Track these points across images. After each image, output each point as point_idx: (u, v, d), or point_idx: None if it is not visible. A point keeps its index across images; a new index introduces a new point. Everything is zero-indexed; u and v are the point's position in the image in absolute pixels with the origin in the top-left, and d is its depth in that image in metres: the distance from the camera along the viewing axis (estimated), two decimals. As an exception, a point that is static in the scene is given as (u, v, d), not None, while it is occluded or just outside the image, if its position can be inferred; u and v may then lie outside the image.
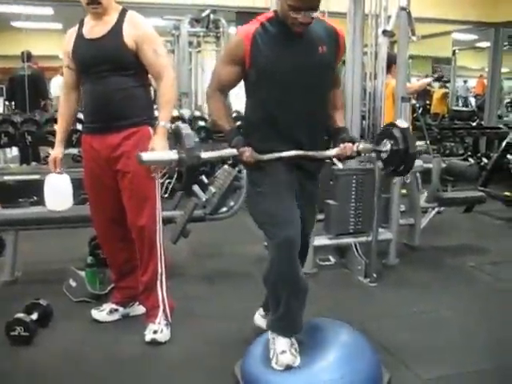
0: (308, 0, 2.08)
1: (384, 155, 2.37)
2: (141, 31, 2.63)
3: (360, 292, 3.50)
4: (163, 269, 2.81)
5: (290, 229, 2.23)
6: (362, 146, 2.35)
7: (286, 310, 2.33)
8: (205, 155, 2.23)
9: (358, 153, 2.34)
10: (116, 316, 3.01)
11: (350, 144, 2.32)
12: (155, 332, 2.75)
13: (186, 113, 6.73)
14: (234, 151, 2.24)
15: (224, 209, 3.90)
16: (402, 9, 3.34)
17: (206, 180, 3.84)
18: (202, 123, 6.28)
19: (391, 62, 5.15)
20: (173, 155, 2.19)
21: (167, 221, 3.80)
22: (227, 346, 2.74)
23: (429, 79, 5.65)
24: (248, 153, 2.20)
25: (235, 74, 2.28)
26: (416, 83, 5.68)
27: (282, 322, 2.36)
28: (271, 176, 2.29)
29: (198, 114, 6.75)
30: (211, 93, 2.36)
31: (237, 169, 3.83)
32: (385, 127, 2.53)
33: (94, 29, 2.65)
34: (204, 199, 3.77)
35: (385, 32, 3.24)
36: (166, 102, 2.68)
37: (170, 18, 8.51)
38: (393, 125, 2.39)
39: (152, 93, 3.00)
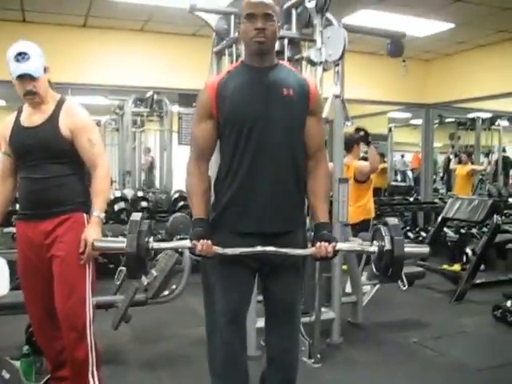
0: (260, 4, 2.12)
1: (372, 257, 2.25)
2: (76, 121, 2.66)
3: (304, 373, 3.41)
4: (94, 359, 2.68)
5: (226, 332, 2.24)
6: (340, 246, 2.24)
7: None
8: (156, 245, 2.20)
9: (335, 253, 2.20)
10: None
11: (326, 244, 2.17)
12: None
13: (129, 193, 6.73)
14: (187, 243, 2.16)
15: (166, 292, 3.85)
16: (336, 96, 3.51)
17: (147, 257, 3.81)
18: (144, 204, 6.29)
19: (353, 142, 5.35)
20: (123, 244, 2.14)
21: (108, 305, 3.73)
22: None
23: (371, 148, 5.45)
24: (201, 247, 2.11)
25: (209, 131, 2.23)
26: (371, 158, 5.55)
27: None
28: (223, 269, 2.23)
29: (140, 194, 6.76)
30: (191, 168, 2.26)
31: (178, 251, 3.85)
32: (376, 226, 2.34)
33: (32, 117, 2.67)
34: (146, 283, 3.75)
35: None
36: (99, 192, 2.68)
37: (115, 98, 8.64)
38: (384, 223, 2.25)
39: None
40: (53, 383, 2.94)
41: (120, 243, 2.18)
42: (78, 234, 2.61)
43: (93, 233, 2.57)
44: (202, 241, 2.12)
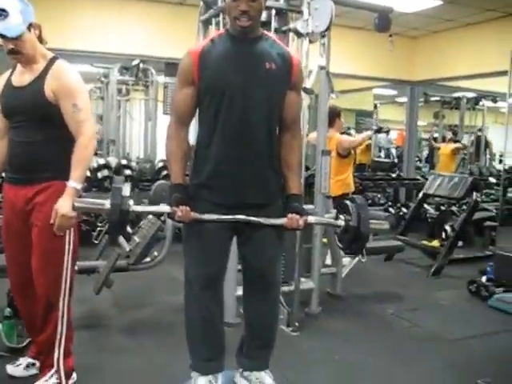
0: None
1: (338, 230, 2.35)
2: (62, 83, 2.52)
3: (282, 341, 3.45)
4: (64, 329, 2.65)
5: (203, 268, 2.28)
6: (311, 219, 2.31)
7: (202, 348, 2.38)
8: (136, 208, 2.23)
9: (306, 226, 2.28)
10: (33, 370, 2.85)
11: (297, 216, 2.24)
12: None
13: (113, 161, 6.71)
14: (166, 208, 2.21)
15: (148, 259, 3.89)
16: (321, 68, 3.52)
17: (130, 230, 3.84)
18: (128, 172, 6.29)
19: (334, 115, 5.38)
20: (104, 205, 2.17)
21: (90, 270, 3.76)
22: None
23: (369, 132, 5.91)
24: (181, 213, 2.15)
25: (190, 97, 2.23)
26: (358, 137, 5.92)
27: (198, 361, 2.40)
28: (198, 232, 2.27)
29: (124, 162, 6.75)
30: (171, 132, 2.28)
31: (161, 219, 3.88)
32: (344, 201, 2.46)
33: (22, 76, 2.57)
34: (127, 249, 3.77)
35: (305, 89, 3.39)
36: (78, 161, 2.51)
37: (100, 66, 8.54)
38: (351, 199, 2.37)
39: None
40: (33, 345, 2.93)
41: (99, 204, 2.20)
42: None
43: (66, 204, 2.42)
44: (181, 207, 2.16)
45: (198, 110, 2.30)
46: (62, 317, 2.66)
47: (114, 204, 2.14)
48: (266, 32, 2.33)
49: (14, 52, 2.49)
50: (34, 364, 2.87)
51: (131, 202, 2.19)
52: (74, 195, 2.47)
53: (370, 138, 10.40)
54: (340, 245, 2.41)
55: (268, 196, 2.31)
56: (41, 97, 2.51)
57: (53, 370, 2.66)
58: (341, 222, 2.34)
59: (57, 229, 2.48)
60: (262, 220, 2.22)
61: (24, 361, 2.89)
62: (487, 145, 12.23)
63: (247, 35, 2.22)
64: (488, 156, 12.38)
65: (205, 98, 2.22)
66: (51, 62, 2.58)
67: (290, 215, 2.25)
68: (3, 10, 2.40)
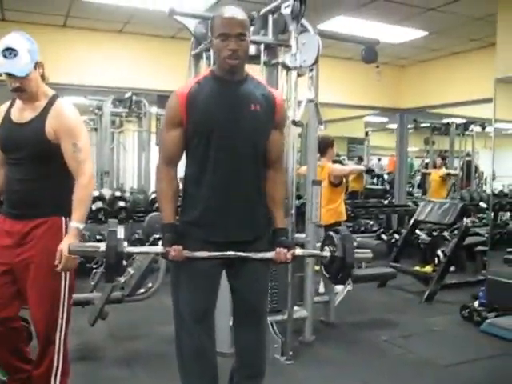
0: (234, 23, 2.17)
1: (324, 261, 2.43)
2: (63, 122, 2.55)
3: (276, 370, 3.52)
4: (60, 363, 2.67)
5: (194, 332, 2.34)
6: (298, 251, 2.39)
7: (195, 381, 2.41)
8: (130, 250, 2.28)
9: (293, 259, 2.35)
10: None
11: (285, 250, 2.32)
12: None
13: (107, 193, 6.75)
14: (159, 249, 2.27)
15: (142, 290, 3.92)
16: (310, 101, 3.60)
17: (124, 262, 3.88)
18: (122, 203, 6.33)
19: (327, 145, 5.49)
20: (99, 248, 2.22)
21: (85, 302, 3.79)
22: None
23: (362, 167, 6.01)
24: (174, 253, 2.21)
25: (178, 138, 2.28)
26: (349, 166, 5.97)
27: None
28: (190, 270, 2.31)
29: (118, 193, 6.79)
30: (161, 172, 2.33)
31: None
32: (328, 233, 2.52)
33: (22, 112, 2.59)
34: (122, 280, 3.81)
35: (294, 122, 3.48)
36: (79, 201, 2.55)
37: (94, 98, 8.64)
38: (336, 231, 2.44)
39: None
40: (10, 379, 2.82)
41: (95, 247, 2.25)
42: (55, 238, 2.53)
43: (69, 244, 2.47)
44: (174, 246, 2.22)
45: (185, 150, 2.35)
46: (59, 351, 2.67)
47: (110, 247, 2.19)
48: (250, 73, 2.40)
49: (19, 90, 2.53)
50: None
51: (125, 243, 2.24)
52: (78, 235, 2.52)
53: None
54: (327, 275, 2.48)
55: (257, 231, 2.38)
56: (42, 135, 2.53)
57: None
58: (326, 254, 2.41)
59: (62, 269, 2.50)
60: (251, 255, 2.29)
61: None
62: (476, 169, 12.35)
63: (234, 76, 2.29)
64: (478, 180, 12.49)
65: (193, 139, 2.29)
66: (52, 100, 2.61)
67: (277, 249, 2.33)
68: (13, 50, 2.45)
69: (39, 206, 2.58)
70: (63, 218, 2.60)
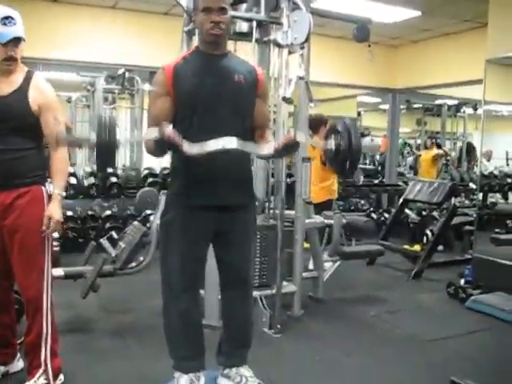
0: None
1: (330, 154, 2.45)
2: (46, 97, 2.68)
3: (264, 342, 3.60)
4: (49, 329, 2.76)
5: (182, 301, 2.42)
6: (300, 135, 2.35)
7: (182, 347, 2.50)
8: (123, 139, 2.29)
9: (297, 143, 2.30)
10: None
11: (285, 135, 2.40)
12: None
13: (99, 168, 6.76)
14: (154, 131, 2.17)
15: (133, 264, 3.98)
16: (300, 78, 3.63)
17: (115, 236, 3.94)
18: (114, 179, 6.35)
19: (320, 123, 5.51)
20: (90, 139, 2.21)
21: (77, 276, 3.84)
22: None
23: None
24: (167, 130, 2.13)
25: (165, 106, 2.34)
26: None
27: (179, 359, 2.51)
28: (183, 224, 2.39)
29: (110, 170, 6.80)
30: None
31: (146, 225, 3.98)
32: (332, 125, 2.52)
33: None
34: (114, 254, 3.87)
35: (284, 99, 3.51)
36: (60, 170, 2.74)
37: (86, 75, 8.59)
38: (341, 121, 2.46)
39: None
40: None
41: (88, 138, 2.24)
42: (38, 207, 2.66)
43: (58, 210, 2.67)
44: (168, 128, 2.16)
45: (172, 124, 2.36)
46: (47, 316, 2.76)
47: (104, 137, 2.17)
48: (230, 50, 2.53)
49: (12, 59, 2.61)
50: None
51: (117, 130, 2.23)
52: (60, 202, 2.70)
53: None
54: (333, 169, 2.45)
55: (244, 198, 2.48)
56: (25, 107, 2.63)
57: (41, 370, 2.74)
58: (331, 145, 2.40)
59: (50, 233, 2.65)
60: (253, 148, 2.34)
61: None
62: (472, 150, 12.39)
63: (216, 49, 2.40)
64: (472, 162, 12.55)
65: (179, 111, 2.36)
66: (29, 74, 2.71)
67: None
68: (12, 18, 2.56)
69: (21, 176, 2.66)
70: (43, 188, 2.73)
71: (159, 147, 2.22)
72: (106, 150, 2.15)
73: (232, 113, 2.37)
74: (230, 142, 2.23)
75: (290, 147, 2.33)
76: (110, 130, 2.13)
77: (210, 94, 2.35)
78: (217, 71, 2.39)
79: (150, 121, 2.42)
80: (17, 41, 2.59)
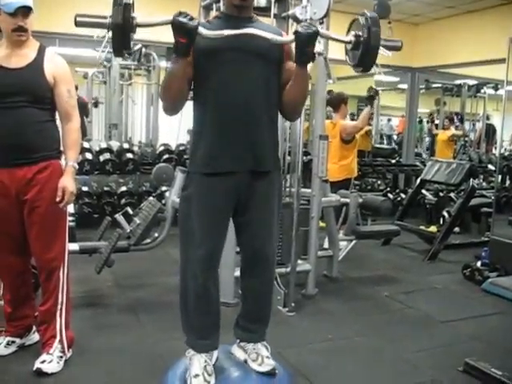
0: None
1: (349, 46, 2.34)
2: (60, 70, 2.70)
3: (278, 320, 3.57)
4: (64, 299, 2.81)
5: (201, 278, 2.38)
6: (322, 31, 2.28)
7: (197, 326, 2.48)
8: (141, 21, 2.24)
9: (318, 34, 2.19)
10: (13, 348, 2.94)
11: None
12: (43, 362, 2.70)
13: (115, 145, 6.76)
14: (169, 18, 2.12)
15: (148, 240, 3.98)
16: (319, 54, 3.56)
17: (130, 211, 3.94)
18: (130, 155, 6.35)
19: (340, 101, 5.44)
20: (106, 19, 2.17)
21: (92, 251, 3.86)
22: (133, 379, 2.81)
23: (367, 109, 5.64)
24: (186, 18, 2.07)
25: (186, 67, 2.24)
26: (360, 117, 5.69)
27: (193, 338, 2.50)
28: (203, 198, 2.34)
29: (126, 146, 6.80)
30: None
31: (162, 201, 3.97)
32: (355, 18, 2.39)
33: (11, 58, 2.63)
34: (128, 230, 3.87)
35: (302, 75, 3.45)
36: (74, 142, 2.75)
37: (103, 50, 8.56)
38: (362, 14, 2.32)
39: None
40: (9, 325, 2.95)
41: (102, 20, 2.22)
42: (58, 182, 2.66)
43: (72, 182, 2.67)
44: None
45: (194, 87, 2.34)
46: (63, 287, 2.81)
47: (119, 18, 2.12)
48: (256, 16, 2.43)
49: (22, 29, 2.60)
50: (13, 342, 2.95)
51: (135, 15, 2.20)
52: (74, 174, 2.72)
53: (372, 118, 10.39)
54: (351, 63, 2.40)
55: (266, 163, 2.39)
56: (42, 80, 2.64)
57: (56, 341, 2.78)
58: (350, 38, 2.33)
59: (65, 205, 2.67)
60: (267, 35, 2.24)
61: (3, 339, 2.94)
62: (492, 132, 12.20)
63: (242, 13, 2.32)
64: (492, 143, 12.37)
65: (201, 71, 2.28)
66: (42, 48, 2.72)
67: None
68: None
69: (41, 150, 2.67)
70: (61, 162, 2.75)
71: (175, 35, 2.11)
72: (121, 30, 2.11)
73: (259, 72, 2.30)
74: (249, 30, 2.19)
75: (310, 31, 2.16)
76: (126, 9, 2.11)
77: (236, 55, 2.27)
78: (243, 29, 2.29)
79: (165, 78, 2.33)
80: (25, 10, 2.57)
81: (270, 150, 2.41)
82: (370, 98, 5.57)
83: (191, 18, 2.08)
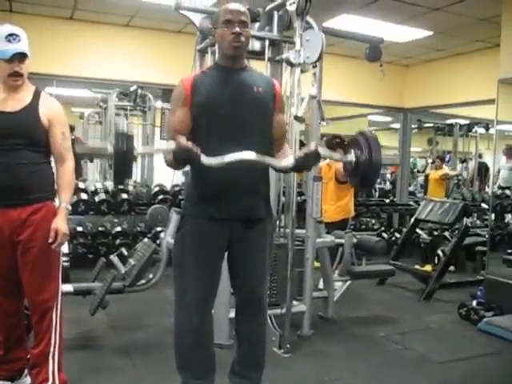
0: (237, 12, 2.36)
1: (349, 166, 2.43)
2: (55, 112, 2.74)
3: (274, 362, 3.52)
4: (57, 341, 2.78)
5: (195, 317, 2.41)
6: (321, 150, 2.38)
7: (193, 364, 2.48)
8: (141, 150, 2.34)
9: (318, 154, 2.32)
10: None
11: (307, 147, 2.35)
12: None
13: (110, 185, 6.78)
14: (171, 144, 2.22)
15: (143, 281, 3.96)
16: (312, 97, 3.64)
17: (125, 252, 3.94)
18: (124, 196, 6.36)
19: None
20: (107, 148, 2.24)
21: (86, 292, 3.84)
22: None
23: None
24: (184, 141, 2.18)
25: (183, 117, 2.38)
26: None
27: (188, 378, 2.49)
28: (197, 240, 2.39)
29: (121, 186, 6.82)
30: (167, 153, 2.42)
31: (156, 242, 3.97)
32: (353, 137, 2.55)
33: (7, 102, 2.68)
34: (123, 271, 3.86)
35: (296, 117, 3.52)
36: (67, 184, 2.77)
37: (98, 91, 8.67)
38: (362, 133, 2.46)
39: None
40: (4, 367, 2.91)
41: (102, 146, 2.30)
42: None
43: (63, 223, 2.67)
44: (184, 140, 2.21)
45: (191, 135, 2.39)
46: (55, 330, 2.78)
47: (123, 147, 2.23)
48: (249, 65, 2.58)
49: (18, 74, 2.65)
50: None
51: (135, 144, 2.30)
52: (67, 216, 2.73)
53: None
54: (351, 182, 2.46)
55: (259, 212, 2.46)
56: (37, 122, 2.68)
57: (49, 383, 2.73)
58: (351, 157, 2.41)
59: (58, 246, 2.66)
60: (271, 160, 2.35)
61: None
62: (485, 170, 12.29)
63: (235, 64, 2.43)
64: (484, 182, 12.44)
65: (198, 121, 2.38)
66: (38, 91, 2.77)
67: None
68: (17, 35, 2.62)
69: (36, 191, 2.70)
70: (55, 203, 2.76)
71: (177, 160, 2.24)
72: (123, 159, 2.17)
73: (251, 123, 2.39)
74: (248, 155, 2.24)
75: (311, 158, 2.34)
76: (128, 140, 2.18)
77: (228, 104, 2.37)
78: (236, 83, 2.42)
79: (167, 132, 2.49)
80: (21, 56, 2.63)
81: (263, 199, 2.49)
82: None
83: (192, 151, 2.18)
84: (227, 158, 2.23)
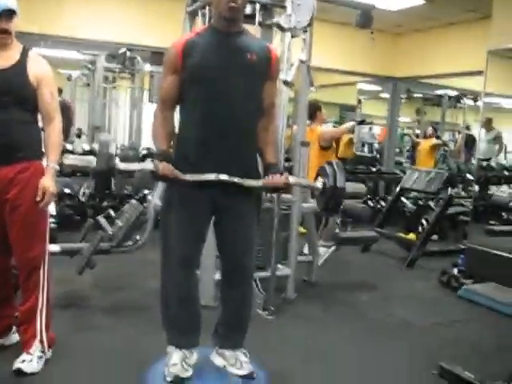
0: None
1: (316, 192, 2.54)
2: (43, 72, 2.72)
3: (258, 324, 3.56)
4: (44, 299, 2.81)
5: (180, 275, 2.47)
6: (292, 179, 2.47)
7: (178, 321, 2.54)
8: (122, 166, 2.39)
9: (287, 185, 2.43)
10: None
11: (278, 175, 2.41)
12: (23, 361, 2.72)
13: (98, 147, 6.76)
14: (150, 165, 2.34)
15: (130, 242, 4.00)
16: (302, 62, 3.64)
17: (113, 214, 3.96)
18: (112, 158, 6.36)
19: (315, 109, 5.56)
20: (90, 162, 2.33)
21: (73, 252, 3.86)
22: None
23: (351, 123, 6.12)
24: (163, 166, 2.26)
25: (174, 83, 2.39)
26: (342, 126, 6.18)
27: (174, 335, 2.55)
28: (182, 203, 2.42)
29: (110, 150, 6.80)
30: (157, 112, 2.47)
31: (143, 205, 4.00)
32: (321, 166, 2.66)
33: None
34: (110, 232, 3.89)
35: (285, 82, 3.52)
36: (55, 144, 2.77)
37: (87, 53, 8.57)
38: (329, 163, 2.56)
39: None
40: None
41: (87, 161, 2.35)
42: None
43: (51, 182, 2.68)
44: (164, 163, 2.29)
45: (181, 98, 2.43)
46: (43, 287, 2.81)
47: (104, 165, 2.29)
48: (246, 28, 2.50)
49: (5, 32, 2.62)
50: None
51: (117, 159, 2.34)
52: (55, 175, 2.74)
53: (353, 132, 10.54)
54: (318, 207, 2.57)
55: (247, 174, 2.45)
56: (25, 80, 2.66)
57: (36, 341, 2.78)
58: (318, 184, 2.52)
59: (45, 205, 2.68)
60: (243, 181, 2.37)
61: None
62: (473, 142, 12.35)
63: (231, 27, 2.39)
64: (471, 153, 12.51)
65: (188, 85, 2.38)
66: (26, 50, 2.74)
67: (270, 176, 2.42)
68: None
69: (24, 150, 2.70)
70: (43, 162, 2.76)
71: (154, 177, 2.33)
72: (105, 175, 2.25)
73: (241, 88, 2.38)
74: (222, 175, 2.32)
75: (280, 189, 2.47)
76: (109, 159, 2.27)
77: (220, 68, 2.35)
78: (229, 47, 2.40)
79: (159, 96, 2.47)
80: (9, 13, 2.60)
81: (251, 162, 2.50)
82: (361, 122, 6.43)
83: (168, 177, 2.29)
84: (203, 176, 2.31)
